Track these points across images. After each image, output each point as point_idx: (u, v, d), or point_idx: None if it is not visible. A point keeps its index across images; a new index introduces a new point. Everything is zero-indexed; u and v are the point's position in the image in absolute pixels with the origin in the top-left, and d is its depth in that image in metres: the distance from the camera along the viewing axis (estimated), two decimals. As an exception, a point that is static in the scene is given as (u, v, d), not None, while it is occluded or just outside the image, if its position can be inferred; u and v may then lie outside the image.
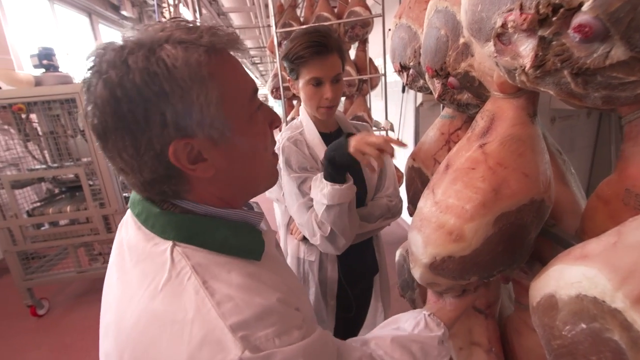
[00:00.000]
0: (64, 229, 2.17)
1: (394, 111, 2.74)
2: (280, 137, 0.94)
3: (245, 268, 0.39)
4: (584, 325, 0.30)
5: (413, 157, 0.88)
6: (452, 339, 0.77)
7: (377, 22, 2.18)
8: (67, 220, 2.15)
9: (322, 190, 0.78)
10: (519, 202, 0.45)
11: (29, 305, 2.21)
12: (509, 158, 0.47)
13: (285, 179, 0.89)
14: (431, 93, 0.84)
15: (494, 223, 0.46)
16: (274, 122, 0.46)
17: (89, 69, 0.35)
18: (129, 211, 0.45)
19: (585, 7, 0.29)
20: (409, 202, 0.96)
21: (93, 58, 0.35)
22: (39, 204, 2.17)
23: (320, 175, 0.81)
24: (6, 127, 2.05)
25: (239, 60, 0.42)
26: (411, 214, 0.97)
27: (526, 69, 0.36)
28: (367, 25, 2.15)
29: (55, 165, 2.12)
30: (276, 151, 0.92)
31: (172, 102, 0.34)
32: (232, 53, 0.40)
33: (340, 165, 0.75)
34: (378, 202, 0.96)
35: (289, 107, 2.46)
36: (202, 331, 0.32)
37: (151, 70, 0.33)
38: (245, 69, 0.42)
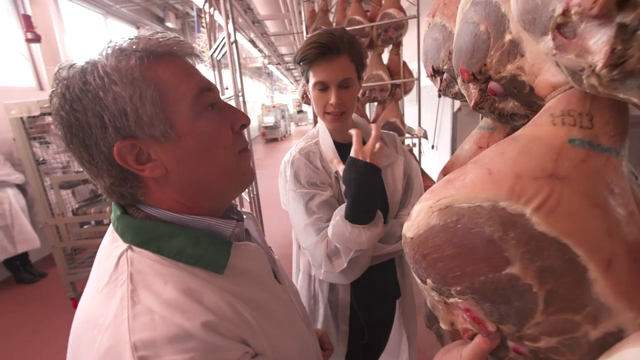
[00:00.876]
0: (105, 227, 2.29)
1: (429, 117, 2.60)
2: (295, 147, 0.88)
3: (189, 282, 0.38)
4: None
5: (445, 173, 0.79)
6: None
7: (412, 24, 2.08)
8: (109, 219, 2.28)
9: (359, 236, 0.71)
10: (469, 198, 0.37)
11: (71, 297, 2.36)
12: (487, 156, 0.40)
13: (292, 194, 0.82)
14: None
15: (439, 213, 0.39)
16: (237, 121, 0.45)
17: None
18: None
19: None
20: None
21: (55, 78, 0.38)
22: (83, 204, 2.32)
23: (340, 217, 0.73)
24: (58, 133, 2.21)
25: (193, 64, 0.43)
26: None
27: (597, 69, 0.27)
28: (401, 27, 2.06)
29: (98, 167, 2.26)
30: (284, 164, 0.87)
31: (107, 105, 0.36)
32: (188, 59, 0.43)
33: (372, 191, 0.70)
34: (401, 220, 0.86)
35: (318, 113, 2.43)
36: (109, 342, 0.32)
37: (86, 80, 0.36)
38: (195, 68, 0.44)
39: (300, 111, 18.28)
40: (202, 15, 2.69)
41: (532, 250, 0.34)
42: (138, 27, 5.43)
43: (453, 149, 2.55)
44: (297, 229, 0.82)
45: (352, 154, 0.72)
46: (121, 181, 0.39)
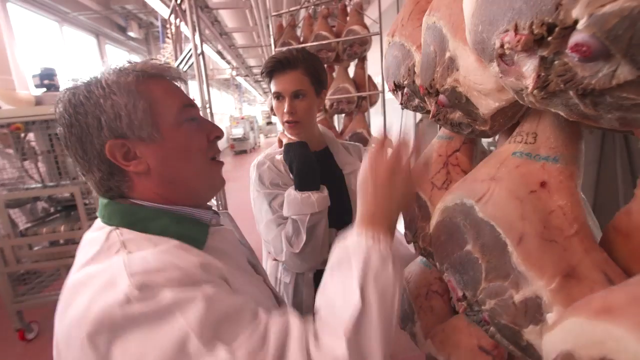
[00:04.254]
0: (58, 249, 2.12)
1: (393, 127, 2.72)
2: (262, 154, 0.96)
3: (172, 243, 0.42)
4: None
5: (410, 178, 0.84)
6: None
7: (376, 40, 2.19)
8: (62, 240, 2.11)
9: (308, 199, 0.79)
10: (452, 199, 0.51)
11: (17, 329, 2.14)
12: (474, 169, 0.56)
13: (255, 195, 0.89)
14: (428, 112, 0.81)
15: (440, 212, 0.55)
16: (212, 132, 0.53)
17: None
18: None
19: (580, 25, 0.26)
20: (406, 228, 0.90)
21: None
22: (32, 223, 2.14)
23: (292, 190, 0.82)
24: (3, 148, 2.05)
25: (177, 85, 0.51)
26: (409, 241, 0.92)
27: (528, 91, 0.32)
28: (365, 43, 2.16)
29: (52, 184, 2.10)
30: (251, 167, 0.94)
31: (105, 110, 0.43)
32: (175, 82, 0.50)
33: (310, 160, 0.82)
34: None
35: (288, 125, 2.45)
36: (105, 278, 0.36)
37: (90, 89, 0.44)
38: (176, 87, 0.52)
39: (269, 123, 18.22)
40: (168, 26, 2.64)
41: (477, 232, 0.46)
42: (97, 36, 5.19)
43: (416, 158, 2.68)
44: (260, 226, 0.89)
45: (284, 142, 0.89)
46: (109, 175, 0.46)
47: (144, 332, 0.33)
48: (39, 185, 2.11)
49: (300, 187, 0.81)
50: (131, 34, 5.56)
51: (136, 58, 0.50)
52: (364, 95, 2.30)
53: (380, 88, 2.35)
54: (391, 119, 2.44)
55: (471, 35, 0.39)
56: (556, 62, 0.29)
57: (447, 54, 0.51)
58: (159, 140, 0.46)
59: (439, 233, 0.55)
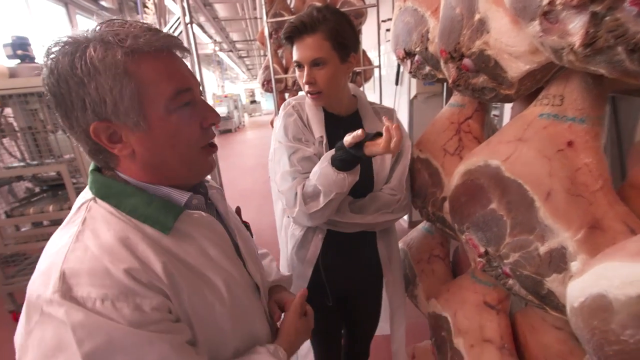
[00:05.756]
0: (46, 229, 2.06)
1: (387, 104, 2.72)
2: (287, 101, 0.93)
3: (130, 233, 0.43)
4: (652, 328, 0.27)
5: (419, 147, 0.85)
6: (462, 336, 0.75)
7: (371, 13, 2.14)
8: (49, 220, 2.05)
9: (343, 181, 0.76)
10: (475, 161, 0.55)
11: (10, 310, 2.10)
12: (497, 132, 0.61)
13: (277, 145, 0.88)
14: (438, 81, 0.81)
15: (460, 176, 0.59)
16: (207, 119, 0.49)
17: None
18: None
19: (643, -23, 0.26)
20: (414, 195, 0.93)
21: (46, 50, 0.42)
22: (18, 204, 2.06)
23: (330, 164, 0.77)
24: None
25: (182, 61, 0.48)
26: (417, 207, 0.94)
27: (575, 47, 0.33)
28: (360, 15, 2.10)
29: (35, 162, 2.01)
30: (280, 113, 0.92)
31: (89, 91, 0.40)
32: (178, 54, 0.46)
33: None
34: (378, 194, 0.90)
35: (280, 100, 2.41)
36: (46, 265, 0.39)
37: (74, 65, 0.39)
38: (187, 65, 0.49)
39: (253, 101, 17.69)
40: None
41: (502, 190, 0.48)
42: (67, 5, 4.81)
43: (410, 133, 2.70)
44: (277, 175, 0.88)
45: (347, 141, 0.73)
46: (96, 151, 0.45)
47: (54, 327, 0.36)
48: (22, 164, 2.01)
49: (338, 167, 0.76)
50: (104, 3, 5.18)
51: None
52: (358, 70, 2.27)
53: (375, 63, 2.32)
54: (385, 94, 2.42)
55: (510, -6, 0.39)
56: (607, 18, 0.30)
57: (477, 16, 0.50)
58: (145, 129, 0.44)
59: (460, 195, 0.58)
